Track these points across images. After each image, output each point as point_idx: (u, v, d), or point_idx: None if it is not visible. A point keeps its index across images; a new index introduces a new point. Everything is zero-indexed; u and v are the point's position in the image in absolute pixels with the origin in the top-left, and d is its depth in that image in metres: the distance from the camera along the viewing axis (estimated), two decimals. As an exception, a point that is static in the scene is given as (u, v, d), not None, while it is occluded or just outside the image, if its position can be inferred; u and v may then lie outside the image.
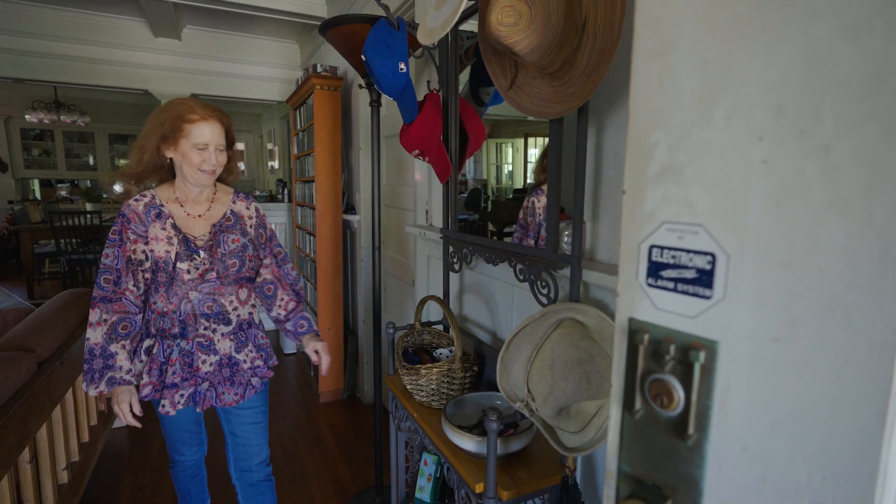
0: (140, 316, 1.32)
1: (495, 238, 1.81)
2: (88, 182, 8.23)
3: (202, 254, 1.30)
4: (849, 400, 0.39)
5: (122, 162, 8.27)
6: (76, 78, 3.75)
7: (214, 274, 1.31)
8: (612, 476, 0.60)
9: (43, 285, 5.41)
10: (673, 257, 0.51)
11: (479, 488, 0.98)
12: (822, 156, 0.39)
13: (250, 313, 1.42)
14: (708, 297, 0.48)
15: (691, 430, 0.50)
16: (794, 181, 0.41)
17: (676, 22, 0.49)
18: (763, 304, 0.44)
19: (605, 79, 0.91)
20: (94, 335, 1.25)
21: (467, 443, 1.04)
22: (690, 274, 0.50)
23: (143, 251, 1.26)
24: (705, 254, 0.48)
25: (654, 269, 0.53)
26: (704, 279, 0.48)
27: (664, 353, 0.52)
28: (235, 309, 1.36)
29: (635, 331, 0.55)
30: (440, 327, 1.59)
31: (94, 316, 1.26)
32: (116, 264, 1.27)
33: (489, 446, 0.94)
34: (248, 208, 1.43)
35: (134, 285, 1.29)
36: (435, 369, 1.24)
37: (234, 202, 1.41)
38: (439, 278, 1.82)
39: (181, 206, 1.33)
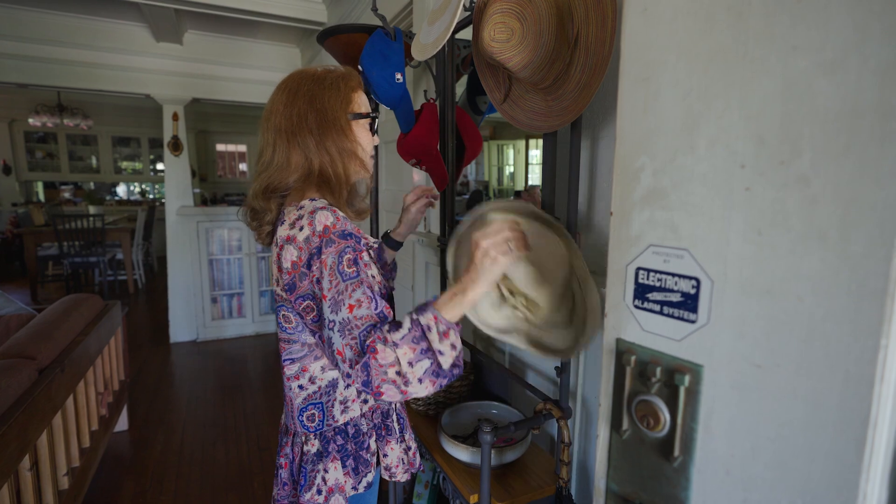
0: None
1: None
2: (92, 184, 8.27)
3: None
4: (826, 429, 0.39)
5: (125, 164, 8.32)
6: (78, 83, 3.77)
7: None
8: (600, 494, 0.61)
9: (46, 288, 5.43)
10: (659, 280, 0.52)
11: (473, 499, 0.98)
12: (801, 187, 0.40)
13: None
14: (693, 321, 0.49)
15: (677, 451, 0.51)
16: (775, 210, 0.42)
17: (661, 50, 0.50)
18: (745, 331, 0.45)
19: (599, 92, 0.91)
20: (422, 389, 0.76)
21: (462, 453, 1.05)
22: (676, 297, 0.50)
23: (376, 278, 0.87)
24: (690, 278, 0.49)
25: (641, 292, 0.54)
26: (689, 303, 0.49)
27: (650, 375, 0.52)
28: None
29: (622, 352, 0.56)
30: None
31: (397, 353, 0.73)
32: (375, 310, 0.78)
33: (483, 458, 0.94)
34: None
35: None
36: (431, 378, 1.25)
37: None
38: (438, 285, 1.82)
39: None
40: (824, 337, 0.39)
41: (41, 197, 7.90)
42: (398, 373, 0.72)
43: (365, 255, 0.82)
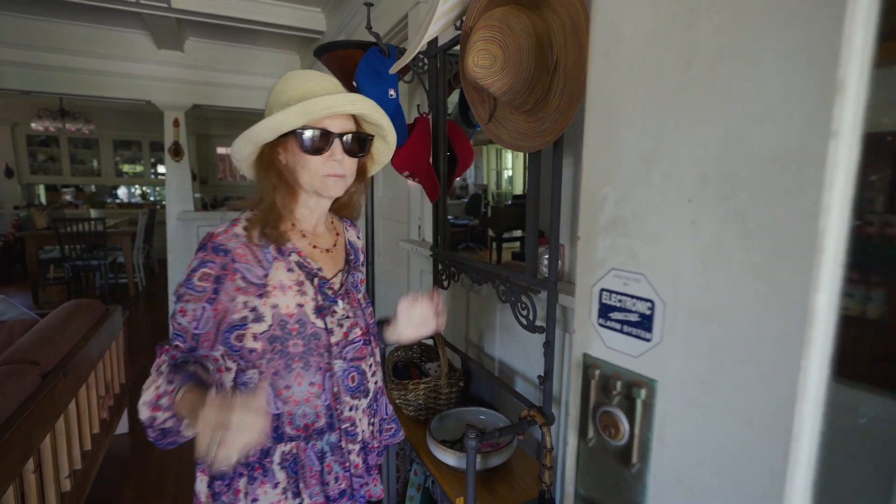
0: None
1: (495, 243, 1.87)
2: (93, 187, 8.34)
3: (340, 304, 0.93)
4: (758, 444, 0.43)
5: (126, 167, 8.38)
6: (81, 89, 3.82)
7: (359, 331, 0.94)
8: (569, 498, 0.65)
9: (48, 290, 5.48)
10: (620, 301, 0.56)
11: (459, 502, 1.03)
12: (739, 222, 0.44)
13: (381, 377, 1.05)
14: (648, 340, 0.53)
15: (635, 459, 0.55)
16: (717, 242, 0.46)
17: (621, 90, 0.54)
18: (692, 350, 0.49)
19: (580, 112, 0.96)
20: (148, 398, 0.76)
21: (449, 457, 1.09)
22: (634, 317, 0.55)
23: (256, 308, 0.83)
24: (646, 300, 0.53)
25: (605, 311, 0.58)
26: (645, 323, 0.53)
27: (612, 388, 0.57)
28: (374, 374, 0.99)
29: (588, 366, 0.60)
30: (430, 342, 1.64)
31: (149, 394, 0.76)
32: (196, 328, 0.81)
33: (468, 462, 0.98)
34: (358, 237, 1.08)
35: (237, 361, 0.86)
36: (422, 385, 1.29)
37: (346, 229, 1.04)
38: (455, 299, 1.87)
39: (303, 236, 0.93)
40: (756, 359, 0.43)
41: (43, 200, 7.97)
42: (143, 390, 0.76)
43: (238, 279, 0.81)
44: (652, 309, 0.53)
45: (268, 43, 3.97)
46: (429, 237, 1.87)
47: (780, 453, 0.42)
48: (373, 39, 1.48)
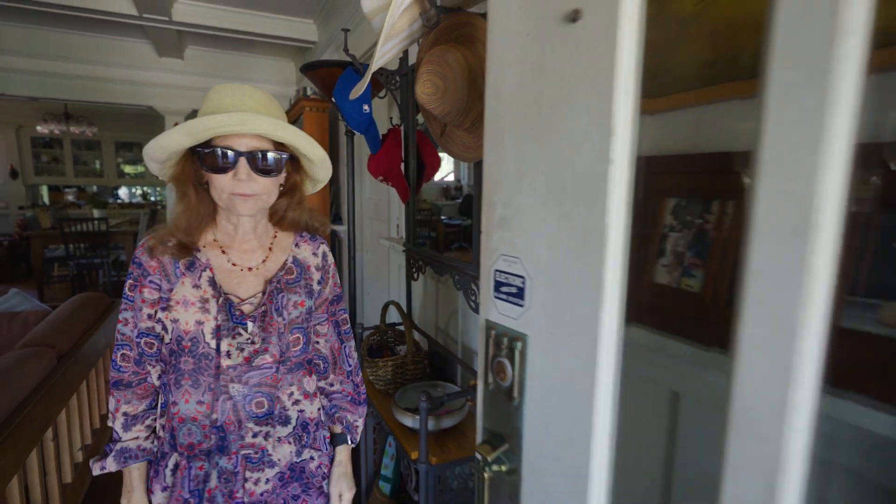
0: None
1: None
2: (94, 187, 8.54)
3: (250, 326, 0.90)
4: (578, 371, 0.63)
5: (127, 168, 8.58)
6: (85, 95, 4.02)
7: (269, 357, 0.91)
8: (480, 432, 0.85)
9: (52, 288, 5.67)
10: (506, 278, 0.76)
11: (414, 455, 1.22)
12: (567, 220, 0.64)
13: (320, 409, 1.02)
14: (522, 306, 0.73)
15: (516, 395, 0.75)
16: (556, 234, 0.66)
17: (504, 122, 0.74)
18: (545, 311, 0.69)
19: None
20: (116, 424, 0.93)
21: (407, 419, 1.28)
22: (514, 290, 0.74)
23: (161, 321, 0.89)
24: (520, 276, 0.73)
25: (497, 286, 0.78)
26: (520, 293, 0.73)
27: (502, 343, 0.77)
28: (297, 403, 0.96)
29: (488, 328, 0.80)
30: (403, 327, 1.83)
31: (112, 403, 0.93)
32: (136, 335, 0.90)
33: (421, 422, 1.18)
34: (315, 253, 1.02)
35: (155, 366, 0.93)
36: (390, 363, 1.49)
37: (296, 245, 1.00)
38: (421, 289, 2.07)
39: (223, 252, 0.93)
40: (578, 314, 0.63)
41: (46, 200, 8.16)
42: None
43: (146, 292, 0.89)
44: (524, 283, 0.72)
45: (264, 51, 4.16)
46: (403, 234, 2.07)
47: (591, 377, 0.61)
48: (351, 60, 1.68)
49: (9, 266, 6.47)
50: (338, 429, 1.06)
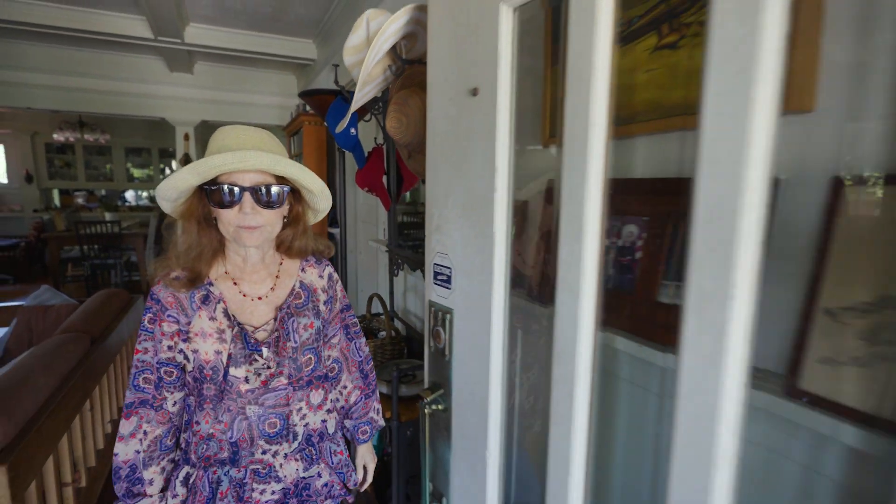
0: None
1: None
2: (103, 191, 8.88)
3: (265, 352, 0.96)
4: (481, 333, 0.92)
5: (136, 172, 8.92)
6: (102, 108, 4.34)
7: (284, 379, 0.98)
8: (426, 381, 1.14)
9: (66, 287, 5.99)
10: (440, 269, 1.05)
11: (387, 415, 1.52)
12: (473, 227, 0.93)
13: (324, 421, 1.08)
14: (449, 288, 1.02)
15: (447, 353, 1.04)
16: (467, 237, 0.95)
17: (439, 154, 1.03)
18: (464, 292, 0.98)
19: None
20: (125, 451, 0.94)
21: (383, 387, 1.58)
22: (444, 278, 1.04)
23: (183, 351, 0.95)
24: (448, 267, 1.02)
25: (436, 275, 1.07)
26: (448, 280, 1.02)
27: (438, 316, 1.06)
28: (304, 418, 1.03)
29: (430, 306, 1.09)
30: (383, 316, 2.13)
31: (128, 426, 0.94)
32: (156, 363, 0.95)
33: (393, 388, 1.47)
34: (321, 276, 1.10)
35: (173, 392, 0.98)
36: (371, 344, 1.78)
37: (302, 270, 1.07)
38: (402, 283, 2.36)
39: (234, 283, 1.00)
40: (479, 292, 0.92)
41: (57, 203, 8.51)
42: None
43: (165, 325, 0.95)
44: (451, 272, 1.01)
45: (267, 66, 4.48)
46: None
47: (486, 334, 0.91)
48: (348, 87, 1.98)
49: (26, 266, 6.79)
50: (366, 434, 1.19)
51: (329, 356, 1.13)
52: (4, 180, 7.80)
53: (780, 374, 0.68)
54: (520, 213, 1.12)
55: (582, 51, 0.67)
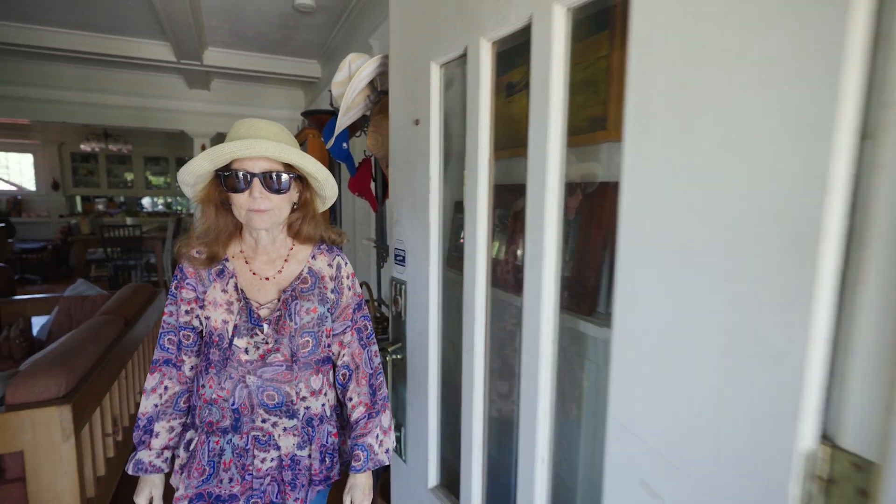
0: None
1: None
2: (122, 198, 9.39)
3: (266, 328, 1.02)
4: (423, 297, 1.27)
5: (154, 179, 9.41)
6: (127, 122, 4.78)
7: (281, 356, 1.03)
8: (390, 338, 1.48)
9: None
10: (398, 252, 1.40)
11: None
12: (418, 220, 1.28)
13: (324, 405, 1.11)
14: (404, 266, 1.37)
15: (403, 315, 1.39)
16: (413, 227, 1.30)
17: (395, 168, 1.38)
18: (411, 267, 1.33)
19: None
20: (147, 403, 1.06)
21: (365, 355, 1.93)
22: (401, 258, 1.39)
23: (199, 316, 1.05)
24: (403, 251, 1.37)
25: (396, 257, 1.42)
26: (403, 260, 1.38)
27: (397, 287, 1.41)
28: (304, 400, 1.07)
29: (392, 280, 1.44)
30: (367, 298, 2.48)
31: (152, 381, 1.07)
32: (178, 324, 1.07)
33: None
34: (330, 265, 1.12)
35: (189, 356, 1.09)
36: (359, 323, 2.14)
37: (313, 257, 1.11)
38: (385, 273, 2.72)
39: (246, 262, 1.07)
40: (420, 266, 1.27)
41: (79, 209, 9.02)
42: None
43: (184, 292, 1.06)
44: (405, 254, 1.36)
45: (277, 83, 4.89)
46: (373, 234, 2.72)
47: (426, 298, 1.25)
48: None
49: (53, 268, 7.26)
50: (359, 460, 1.07)
51: (340, 354, 1.12)
52: (33, 188, 8.32)
53: (578, 304, 1.02)
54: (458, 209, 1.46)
55: (473, 101, 1.02)
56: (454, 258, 1.31)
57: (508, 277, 1.20)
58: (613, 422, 0.73)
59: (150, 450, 1.05)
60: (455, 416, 1.28)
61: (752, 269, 0.54)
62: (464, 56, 1.05)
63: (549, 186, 0.85)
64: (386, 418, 1.12)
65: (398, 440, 1.44)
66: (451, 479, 1.27)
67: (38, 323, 3.15)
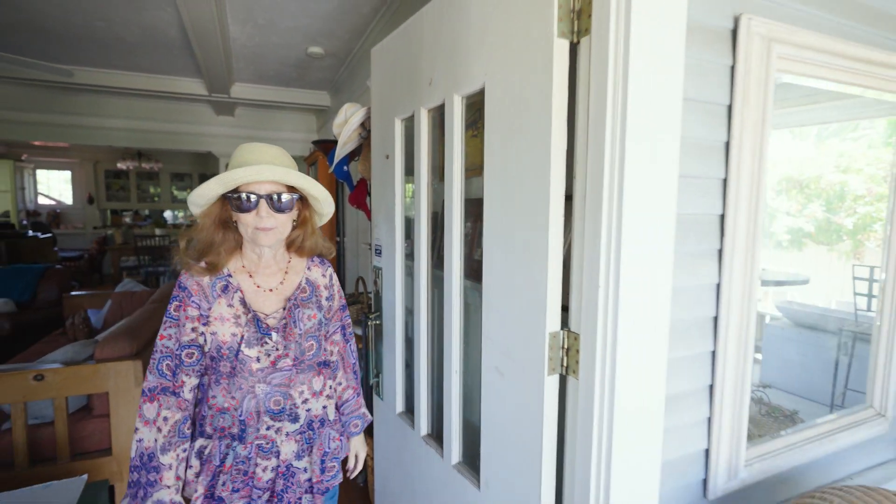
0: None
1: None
2: (147, 210, 10.11)
3: (274, 336, 1.07)
4: (391, 276, 1.82)
5: (180, 194, 10.14)
6: (161, 145, 5.45)
7: (290, 360, 1.09)
8: (373, 309, 2.04)
9: (123, 291, 7.10)
10: (377, 247, 1.96)
11: (360, 346, 2.41)
12: (389, 224, 1.85)
13: (325, 407, 1.18)
14: (380, 257, 1.93)
15: (381, 292, 1.94)
16: (387, 230, 1.86)
17: (376, 187, 1.94)
18: (386, 257, 1.89)
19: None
20: (147, 436, 1.02)
21: (358, 329, 2.48)
22: (378, 252, 1.95)
23: (203, 333, 1.05)
24: (380, 246, 1.93)
25: (375, 250, 1.99)
26: (380, 252, 1.94)
27: (377, 272, 1.96)
28: (306, 402, 1.13)
29: (373, 267, 2.00)
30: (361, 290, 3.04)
31: (149, 411, 1.02)
32: (177, 349, 1.04)
33: (363, 325, 2.38)
34: (324, 275, 1.24)
35: (191, 376, 1.06)
36: (356, 308, 2.69)
37: (308, 269, 1.21)
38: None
39: (250, 276, 1.12)
40: (392, 258, 1.82)
41: (109, 221, 9.76)
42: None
43: (189, 310, 1.04)
44: (381, 249, 1.91)
45: (293, 111, 5.53)
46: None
47: (393, 279, 1.80)
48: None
49: (89, 275, 7.97)
50: (357, 427, 1.32)
51: (330, 351, 1.27)
52: (70, 202, 9.09)
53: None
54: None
55: (417, 145, 1.58)
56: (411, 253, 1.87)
57: (439, 262, 1.75)
58: (484, 336, 1.27)
59: (168, 487, 1.02)
60: (412, 364, 1.83)
61: (532, 243, 1.09)
62: (412, 117, 1.61)
63: (455, 200, 1.40)
64: (361, 394, 1.40)
65: (377, 384, 1.99)
66: (409, 406, 1.81)
67: (92, 315, 3.77)
